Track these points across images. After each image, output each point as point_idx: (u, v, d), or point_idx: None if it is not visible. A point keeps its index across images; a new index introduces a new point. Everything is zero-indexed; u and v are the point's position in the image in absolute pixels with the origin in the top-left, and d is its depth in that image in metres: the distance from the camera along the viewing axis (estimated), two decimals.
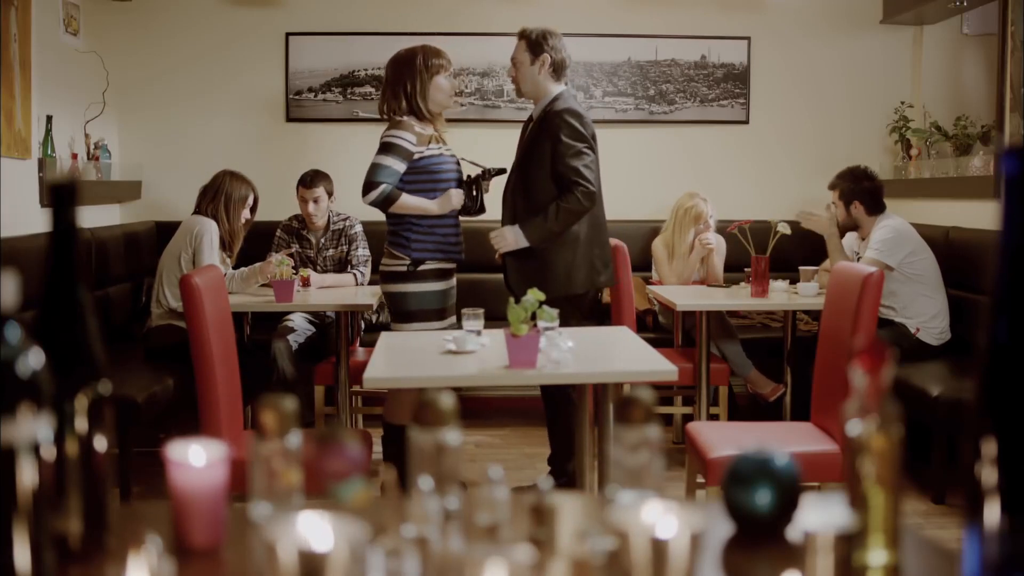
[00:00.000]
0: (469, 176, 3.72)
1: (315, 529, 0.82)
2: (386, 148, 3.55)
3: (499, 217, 3.92)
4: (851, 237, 4.47)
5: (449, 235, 3.65)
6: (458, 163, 3.73)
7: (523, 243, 3.60)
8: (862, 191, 4.34)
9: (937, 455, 3.85)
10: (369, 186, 3.53)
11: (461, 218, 3.77)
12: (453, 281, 3.73)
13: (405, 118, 3.59)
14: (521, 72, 3.70)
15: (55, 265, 1.03)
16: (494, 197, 3.94)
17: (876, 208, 4.36)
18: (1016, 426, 0.83)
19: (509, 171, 3.77)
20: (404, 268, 3.59)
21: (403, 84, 3.61)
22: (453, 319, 3.73)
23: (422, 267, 3.59)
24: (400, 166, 3.54)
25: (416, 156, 3.57)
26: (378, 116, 3.79)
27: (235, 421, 3.07)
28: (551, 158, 3.58)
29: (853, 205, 4.36)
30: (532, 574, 0.92)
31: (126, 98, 5.26)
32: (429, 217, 3.59)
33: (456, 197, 3.63)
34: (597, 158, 3.67)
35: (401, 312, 3.61)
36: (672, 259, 4.90)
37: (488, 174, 3.72)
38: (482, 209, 3.76)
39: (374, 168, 3.55)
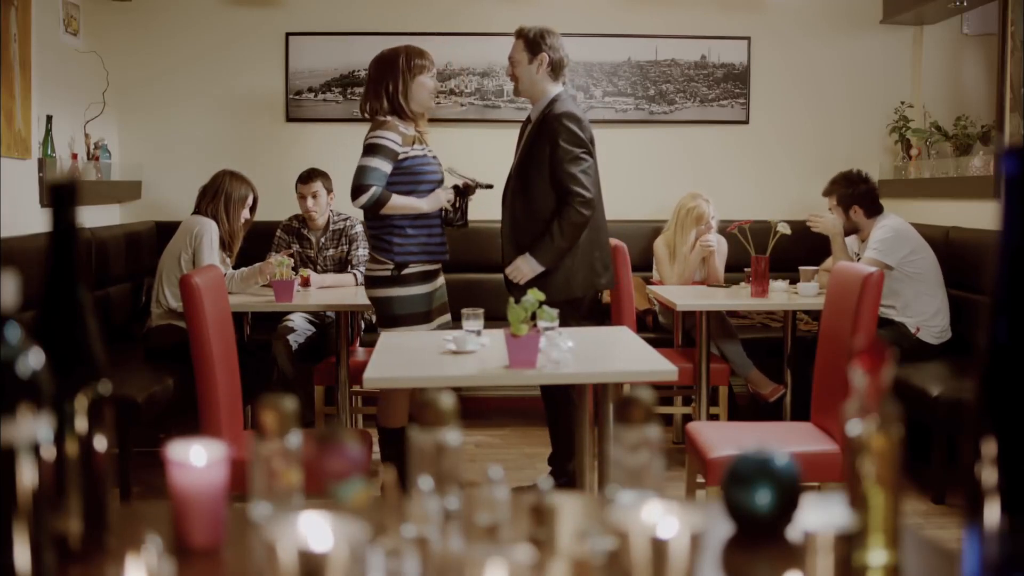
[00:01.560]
0: (456, 186, 3.68)
1: (315, 529, 0.82)
2: (372, 150, 3.51)
3: (494, 217, 3.93)
4: (851, 239, 4.48)
5: (433, 236, 3.60)
6: (440, 164, 3.71)
7: (538, 268, 3.60)
8: (859, 195, 4.35)
9: (937, 455, 3.85)
10: (358, 190, 3.48)
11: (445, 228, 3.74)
12: (439, 282, 3.69)
13: (389, 118, 3.56)
14: (518, 71, 3.70)
15: (55, 265, 1.03)
16: (489, 200, 3.94)
17: (874, 210, 4.37)
18: (1016, 426, 0.83)
19: (508, 174, 3.76)
20: (388, 272, 3.55)
21: (385, 84, 3.58)
22: (446, 318, 3.71)
23: (406, 270, 3.55)
24: (387, 167, 3.50)
25: (401, 156, 3.54)
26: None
27: (235, 421, 3.07)
28: (549, 162, 3.58)
29: (852, 210, 4.36)
30: (532, 574, 0.92)
31: (126, 98, 5.26)
32: (411, 219, 3.55)
33: (444, 194, 3.61)
34: (595, 162, 3.67)
35: (387, 316, 3.57)
36: (674, 259, 4.90)
37: (472, 189, 3.68)
38: (465, 223, 3.70)
39: (361, 171, 3.49)
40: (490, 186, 3.70)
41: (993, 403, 0.85)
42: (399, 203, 3.51)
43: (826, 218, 4.41)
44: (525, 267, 3.62)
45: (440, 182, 3.64)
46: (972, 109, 5.04)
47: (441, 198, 3.59)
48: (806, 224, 4.44)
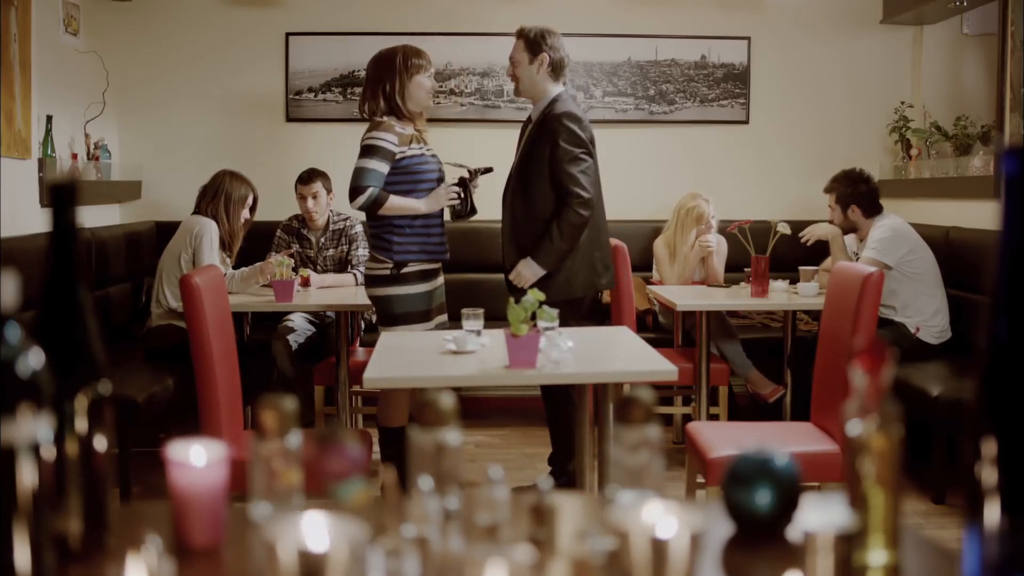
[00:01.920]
0: (461, 179, 3.67)
1: (315, 529, 0.82)
2: (369, 151, 3.52)
3: (494, 217, 3.93)
4: (849, 239, 4.48)
5: (432, 235, 3.60)
6: (440, 163, 3.71)
7: (540, 272, 3.61)
8: (859, 194, 4.36)
9: (937, 455, 3.85)
10: (356, 191, 3.49)
11: (456, 222, 3.75)
12: (439, 281, 3.69)
13: (385, 119, 3.56)
14: (519, 71, 3.70)
15: (55, 265, 1.03)
16: (490, 199, 3.94)
17: (873, 210, 4.37)
18: (1016, 426, 0.83)
19: (508, 174, 3.76)
20: (387, 271, 3.55)
21: (383, 83, 3.58)
22: (443, 318, 3.71)
23: (405, 269, 3.55)
24: (384, 168, 3.51)
25: (398, 156, 3.54)
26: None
27: (235, 421, 3.07)
28: (549, 162, 3.58)
29: (851, 209, 4.37)
30: (532, 574, 0.92)
31: (126, 98, 5.26)
32: (411, 218, 3.55)
33: (445, 194, 3.60)
34: (596, 162, 3.67)
35: (387, 315, 3.57)
36: (674, 259, 4.90)
37: (474, 174, 3.68)
38: (473, 211, 3.69)
39: (359, 172, 3.50)
40: (490, 169, 3.69)
41: (993, 403, 0.85)
42: (397, 203, 3.52)
43: (818, 227, 4.45)
44: (527, 272, 3.62)
45: (439, 180, 3.64)
46: (972, 109, 5.04)
47: (442, 199, 3.58)
48: (801, 241, 4.46)
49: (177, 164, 5.35)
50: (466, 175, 3.64)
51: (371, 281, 3.62)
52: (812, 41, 5.57)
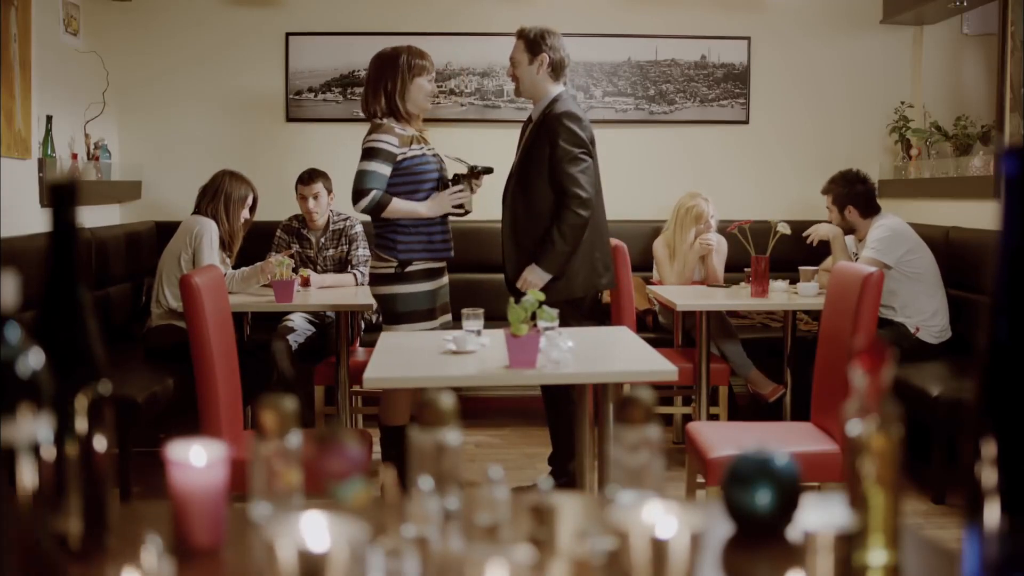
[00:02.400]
0: (456, 175, 3.66)
1: (315, 529, 0.82)
2: (370, 153, 3.53)
3: (494, 217, 3.93)
4: (849, 239, 4.49)
5: (436, 234, 3.61)
6: (441, 163, 3.71)
7: (546, 277, 3.60)
8: (855, 195, 4.36)
9: (937, 455, 3.85)
10: (359, 194, 3.50)
11: (450, 217, 3.75)
12: (443, 280, 3.70)
13: (385, 120, 3.57)
14: (519, 72, 3.70)
15: (55, 265, 1.03)
16: (490, 199, 3.94)
17: (870, 210, 4.37)
18: (1016, 426, 0.83)
19: (508, 174, 3.76)
20: (391, 270, 3.56)
21: (384, 83, 3.59)
22: (447, 317, 3.71)
23: (409, 268, 3.56)
24: (386, 170, 3.52)
25: (399, 158, 3.55)
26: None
27: (235, 421, 3.06)
28: (549, 162, 3.58)
29: (847, 210, 4.38)
30: (532, 574, 0.92)
31: (126, 98, 5.26)
32: (415, 217, 3.58)
33: (449, 200, 3.60)
34: (596, 162, 3.67)
35: (391, 314, 3.59)
36: (673, 259, 4.90)
37: (475, 172, 3.66)
38: (468, 210, 3.72)
39: (361, 175, 3.51)
40: (490, 169, 3.67)
41: (993, 403, 0.85)
42: (400, 207, 3.52)
43: (821, 227, 4.46)
44: (533, 278, 3.62)
45: (441, 179, 3.64)
46: (972, 109, 5.04)
47: (446, 202, 3.58)
48: (806, 242, 4.48)
49: (177, 164, 5.35)
50: (466, 171, 3.64)
51: (375, 280, 3.62)
52: (812, 41, 5.57)
